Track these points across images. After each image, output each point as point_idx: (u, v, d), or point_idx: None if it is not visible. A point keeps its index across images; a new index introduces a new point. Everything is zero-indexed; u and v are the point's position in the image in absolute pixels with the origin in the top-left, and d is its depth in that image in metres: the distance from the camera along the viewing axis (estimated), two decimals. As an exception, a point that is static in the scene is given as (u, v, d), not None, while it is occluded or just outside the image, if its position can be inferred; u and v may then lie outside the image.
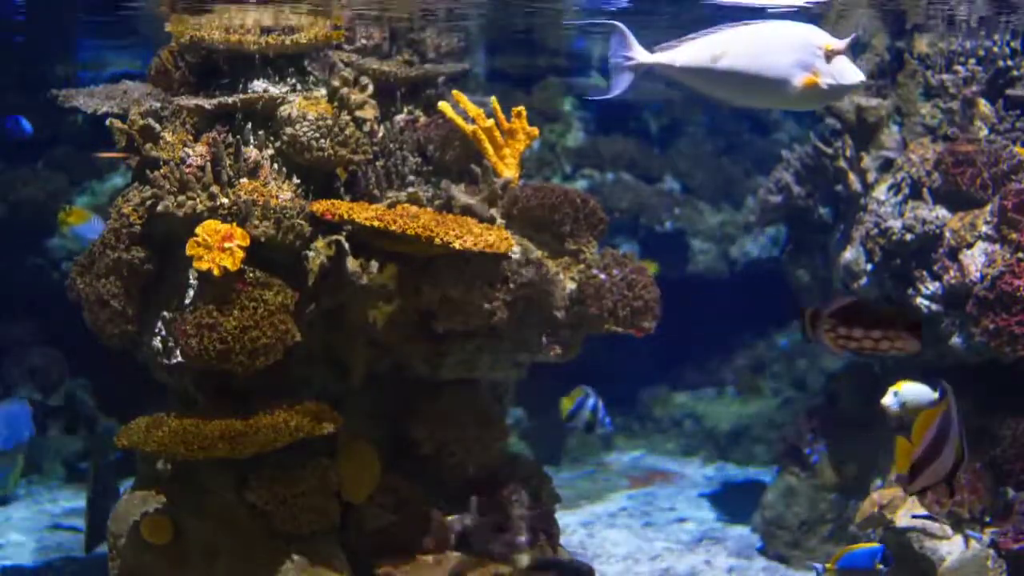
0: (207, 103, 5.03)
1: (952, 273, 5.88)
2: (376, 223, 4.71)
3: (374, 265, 4.86)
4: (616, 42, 3.94)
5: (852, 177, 6.54)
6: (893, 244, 6.12)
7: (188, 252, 4.63)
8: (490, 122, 5.32)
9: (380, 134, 5.37)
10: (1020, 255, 5.62)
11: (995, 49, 6.41)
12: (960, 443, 4.17)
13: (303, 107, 4.96)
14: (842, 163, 6.61)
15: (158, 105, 5.13)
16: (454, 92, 5.46)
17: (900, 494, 5.84)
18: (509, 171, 5.35)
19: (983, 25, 6.53)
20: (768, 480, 7.59)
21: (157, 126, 4.95)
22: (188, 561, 4.83)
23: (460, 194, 5.20)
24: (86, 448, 8.29)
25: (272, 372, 4.76)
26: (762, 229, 9.04)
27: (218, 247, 4.62)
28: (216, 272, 4.60)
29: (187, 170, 4.85)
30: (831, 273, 6.82)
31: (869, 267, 6.35)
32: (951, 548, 5.55)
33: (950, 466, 4.25)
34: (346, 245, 4.83)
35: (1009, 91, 6.35)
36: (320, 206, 4.84)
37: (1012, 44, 6.41)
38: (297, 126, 4.93)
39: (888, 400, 5.32)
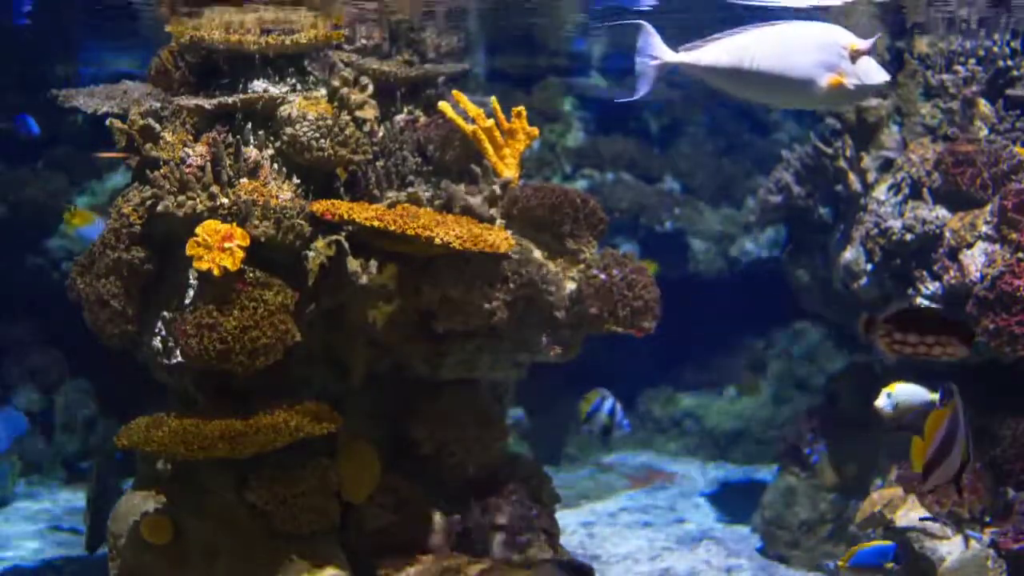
0: (207, 103, 5.03)
1: (952, 273, 5.88)
2: (376, 223, 4.71)
3: (374, 265, 4.86)
4: (642, 41, 3.94)
5: (852, 177, 6.54)
6: (893, 244, 6.13)
7: (188, 252, 4.63)
8: (490, 122, 5.32)
9: (380, 134, 5.38)
10: (1020, 255, 5.62)
11: (995, 49, 6.41)
12: (966, 444, 4.19)
13: (303, 107, 4.96)
14: (842, 163, 6.61)
15: (158, 105, 5.13)
16: (454, 92, 5.46)
17: (900, 494, 5.84)
18: (509, 171, 5.35)
19: (983, 25, 6.54)
20: (768, 480, 7.59)
21: (157, 126, 4.95)
22: (188, 561, 4.83)
23: (460, 194, 5.20)
24: (86, 448, 8.30)
25: (272, 372, 4.76)
26: (762, 229, 9.05)
27: (218, 247, 4.62)
28: (216, 272, 4.60)
29: (187, 170, 4.85)
30: (831, 273, 6.82)
31: (869, 267, 6.36)
32: (951, 548, 5.55)
33: (958, 466, 4.28)
34: (346, 245, 4.83)
35: (1009, 91, 6.35)
36: (320, 206, 4.84)
37: (1012, 44, 6.42)
38: (297, 126, 4.93)
39: (881, 402, 5.32)
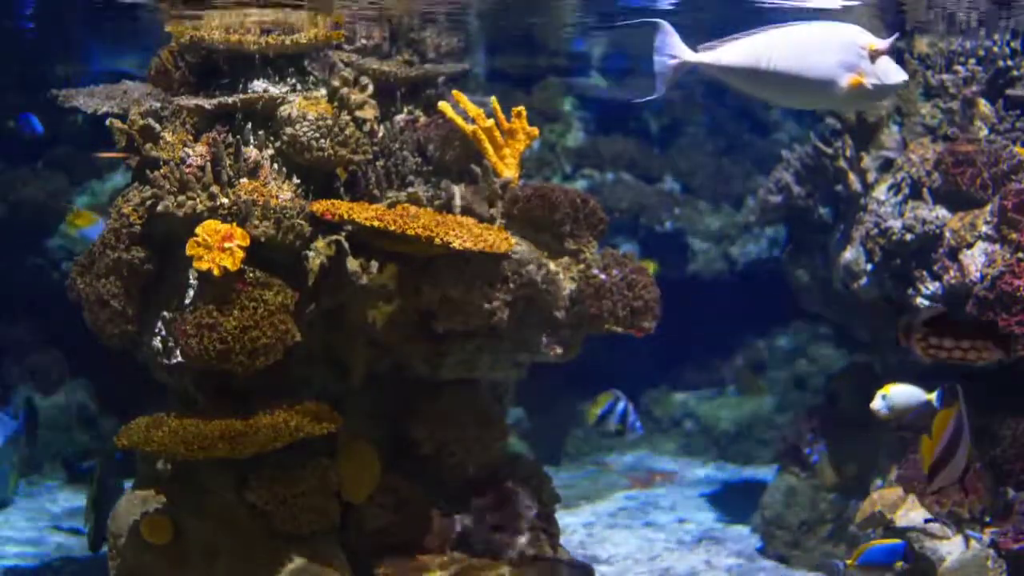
0: (207, 103, 5.03)
1: (952, 273, 5.87)
2: (376, 223, 4.71)
3: (374, 265, 4.86)
4: (661, 41, 3.94)
5: (852, 177, 6.54)
6: (893, 244, 6.12)
7: (188, 252, 4.63)
8: (490, 122, 5.32)
9: (380, 134, 5.38)
10: (1020, 255, 5.62)
11: (995, 49, 6.41)
12: (971, 445, 4.21)
13: (303, 107, 4.96)
14: (842, 163, 6.61)
15: (158, 105, 5.13)
16: (454, 92, 5.46)
17: (900, 494, 5.84)
18: (509, 171, 5.35)
19: (983, 25, 6.54)
20: (768, 480, 7.59)
21: (157, 126, 4.95)
22: (188, 561, 4.83)
23: (460, 194, 5.20)
24: (86, 448, 8.30)
25: (272, 372, 4.76)
26: (762, 229, 9.05)
27: (218, 247, 4.62)
28: (216, 272, 4.60)
29: (187, 170, 4.85)
30: (831, 273, 6.82)
31: (869, 267, 6.35)
32: (951, 548, 5.55)
33: (963, 467, 4.30)
34: (346, 245, 4.83)
35: (1009, 91, 6.35)
36: (320, 206, 4.84)
37: (1012, 44, 6.41)
38: (297, 126, 4.93)
39: (877, 404, 5.32)
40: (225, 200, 4.77)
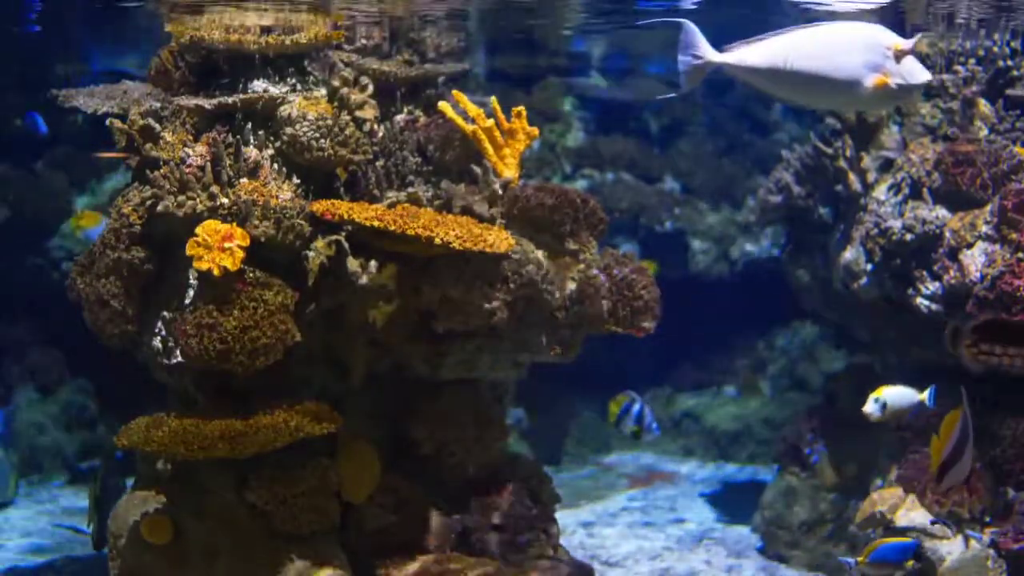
0: (207, 103, 5.03)
1: (952, 273, 5.87)
2: (376, 223, 4.71)
3: (374, 265, 4.86)
4: (685, 41, 3.93)
5: (852, 177, 6.54)
6: (893, 244, 6.12)
7: (188, 252, 4.63)
8: (490, 122, 5.32)
9: (380, 134, 5.38)
10: (1020, 255, 5.62)
11: (995, 49, 6.41)
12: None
13: (303, 107, 4.96)
14: (842, 163, 6.61)
15: (158, 105, 5.13)
16: (454, 92, 5.46)
17: (900, 494, 5.84)
18: (509, 171, 5.35)
19: (983, 25, 6.54)
20: (768, 480, 7.59)
21: (157, 126, 4.95)
22: (188, 561, 4.83)
23: (460, 194, 5.20)
24: (86, 448, 8.30)
25: (272, 372, 4.76)
26: (762, 229, 9.05)
27: (218, 247, 4.62)
28: (216, 272, 4.60)
29: (187, 170, 4.85)
30: (831, 273, 6.82)
31: (869, 267, 6.35)
32: (951, 548, 5.54)
33: (969, 468, 4.32)
34: (346, 245, 4.83)
35: (1009, 91, 6.35)
36: (320, 206, 4.84)
37: (1012, 44, 6.41)
38: (297, 126, 4.93)
39: (870, 407, 5.33)
40: (225, 200, 4.77)
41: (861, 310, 6.68)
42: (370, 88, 5.19)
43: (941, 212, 6.05)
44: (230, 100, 5.01)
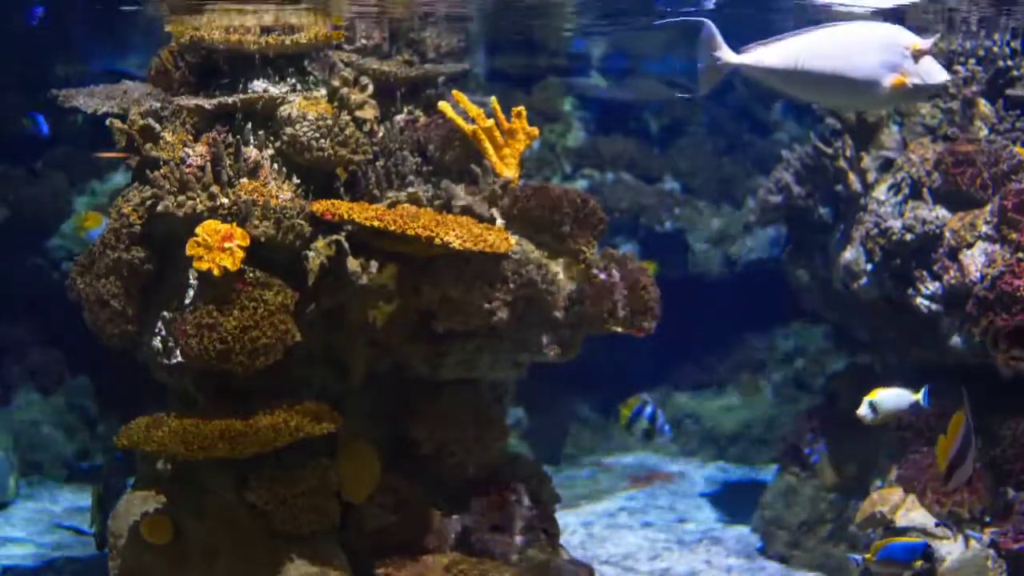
0: (207, 103, 5.03)
1: (952, 273, 5.88)
2: (376, 223, 4.71)
3: (374, 265, 4.86)
4: (704, 41, 3.93)
5: (852, 177, 6.54)
6: (893, 244, 6.12)
7: (188, 252, 4.63)
8: (490, 122, 5.32)
9: (380, 134, 5.38)
10: (1020, 255, 5.62)
11: (995, 49, 6.41)
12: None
13: (303, 107, 4.96)
14: (842, 163, 6.61)
15: (158, 105, 5.13)
16: (454, 92, 5.46)
17: (900, 494, 5.84)
18: (509, 171, 5.35)
19: (983, 25, 6.53)
20: (768, 480, 7.59)
21: (157, 126, 4.95)
22: (188, 561, 4.83)
23: (460, 194, 5.20)
24: (85, 448, 8.30)
25: (272, 372, 4.76)
26: (762, 229, 9.04)
27: (218, 247, 4.62)
28: (216, 272, 4.60)
29: (187, 170, 4.85)
30: (831, 273, 6.82)
31: (869, 267, 6.36)
32: (951, 548, 5.55)
33: (973, 467, 4.35)
34: (346, 245, 4.83)
35: (1009, 91, 6.35)
36: (320, 206, 4.84)
37: (1012, 44, 6.42)
38: (297, 126, 4.93)
39: (863, 411, 5.33)
40: (225, 200, 4.77)
41: (861, 310, 6.68)
42: (370, 88, 5.19)
43: (941, 212, 6.06)
44: (230, 100, 5.01)
